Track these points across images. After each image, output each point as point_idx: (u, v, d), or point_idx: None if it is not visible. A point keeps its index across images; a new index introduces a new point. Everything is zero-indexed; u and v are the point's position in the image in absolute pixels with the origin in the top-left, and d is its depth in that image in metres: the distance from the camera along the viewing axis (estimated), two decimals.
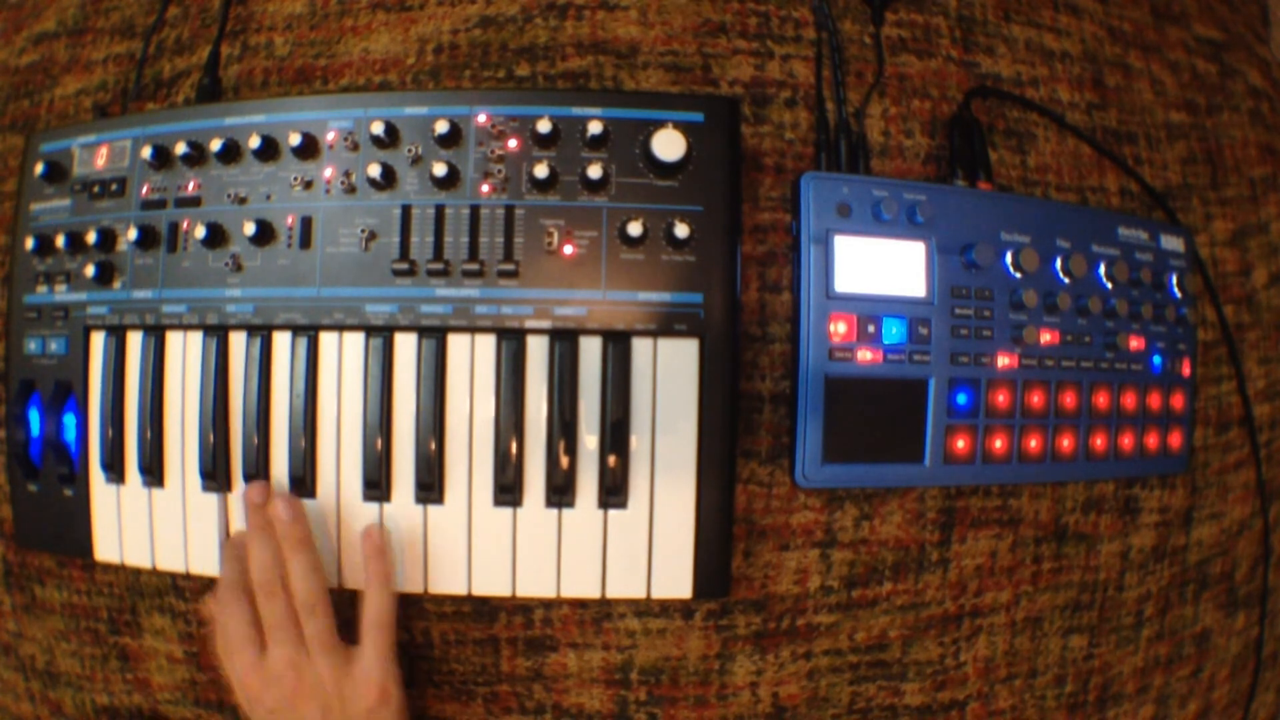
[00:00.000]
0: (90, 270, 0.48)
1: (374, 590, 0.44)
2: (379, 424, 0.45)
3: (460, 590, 0.46)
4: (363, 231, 0.46)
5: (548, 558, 0.45)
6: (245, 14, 0.54)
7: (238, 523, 0.47)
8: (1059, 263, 0.51)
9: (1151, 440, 0.53)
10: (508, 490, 0.45)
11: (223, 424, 0.47)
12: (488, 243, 0.46)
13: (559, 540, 0.45)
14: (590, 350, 0.45)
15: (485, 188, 0.46)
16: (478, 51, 0.51)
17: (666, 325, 0.45)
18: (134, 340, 0.48)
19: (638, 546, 0.45)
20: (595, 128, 0.45)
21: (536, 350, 0.46)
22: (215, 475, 0.47)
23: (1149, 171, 0.58)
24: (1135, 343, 0.52)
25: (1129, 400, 0.53)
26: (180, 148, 0.47)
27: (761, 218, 0.49)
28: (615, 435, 0.45)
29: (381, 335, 0.46)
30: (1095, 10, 0.58)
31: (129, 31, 0.56)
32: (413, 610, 0.49)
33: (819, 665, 0.50)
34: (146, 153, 0.47)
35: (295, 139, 0.46)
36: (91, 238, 0.48)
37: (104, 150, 0.50)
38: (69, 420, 0.49)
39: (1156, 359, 0.54)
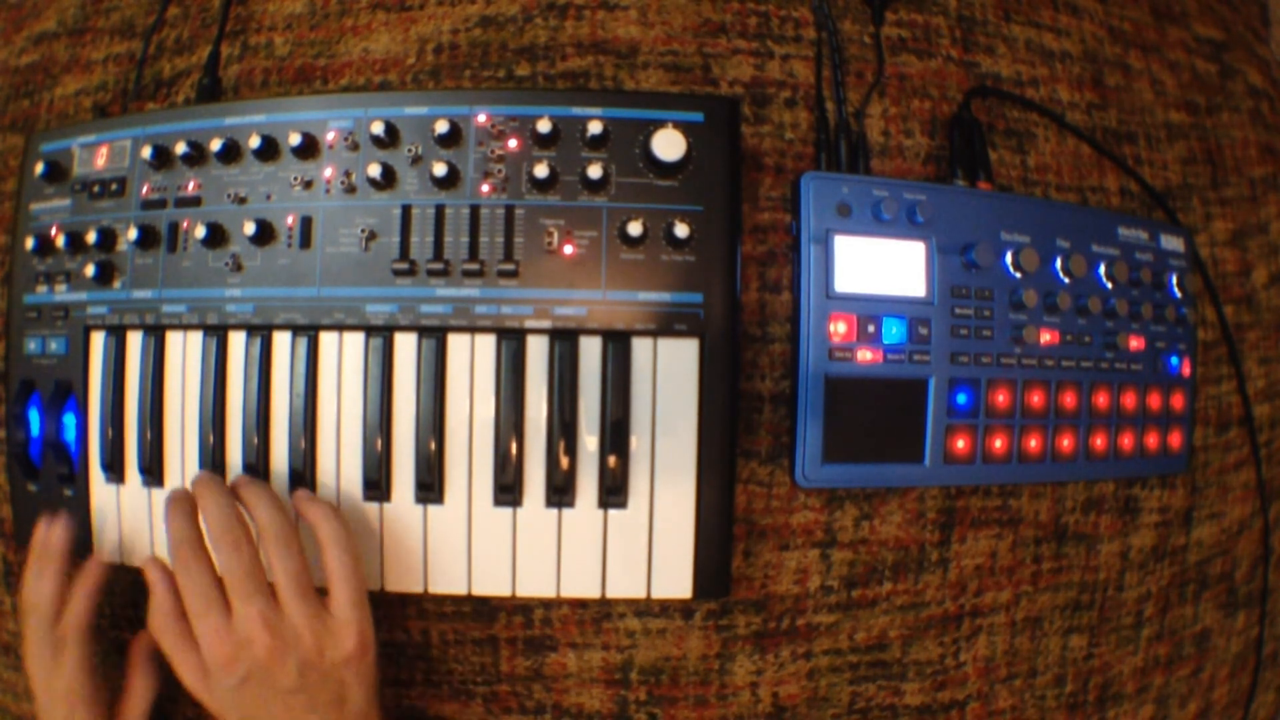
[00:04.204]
0: (90, 270, 0.48)
1: (326, 527, 0.41)
2: (379, 424, 0.45)
3: (460, 590, 0.46)
4: (363, 231, 0.46)
5: (548, 558, 0.45)
6: (245, 14, 0.54)
7: None
8: (1059, 263, 0.51)
9: (1151, 440, 0.53)
10: (508, 490, 0.45)
11: (222, 424, 0.47)
12: (488, 243, 0.46)
13: (559, 540, 0.45)
14: (590, 350, 0.45)
15: (485, 188, 0.46)
16: (478, 51, 0.51)
17: (666, 325, 0.45)
18: (134, 340, 0.48)
19: (638, 546, 0.45)
20: (595, 128, 0.45)
21: (536, 350, 0.46)
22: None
23: (1149, 171, 0.58)
24: (1135, 343, 0.52)
25: (1129, 400, 0.53)
26: (180, 148, 0.47)
27: (761, 218, 0.49)
28: (615, 435, 0.45)
29: (381, 335, 0.46)
30: (1095, 10, 0.58)
31: (129, 31, 0.56)
32: (412, 610, 0.49)
33: (819, 665, 0.50)
34: (146, 153, 0.47)
35: (295, 139, 0.46)
36: (91, 238, 0.48)
37: (104, 150, 0.50)
38: (69, 420, 0.49)
39: (1156, 359, 0.54)
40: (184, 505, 0.42)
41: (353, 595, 0.41)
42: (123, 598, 0.52)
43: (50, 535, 0.45)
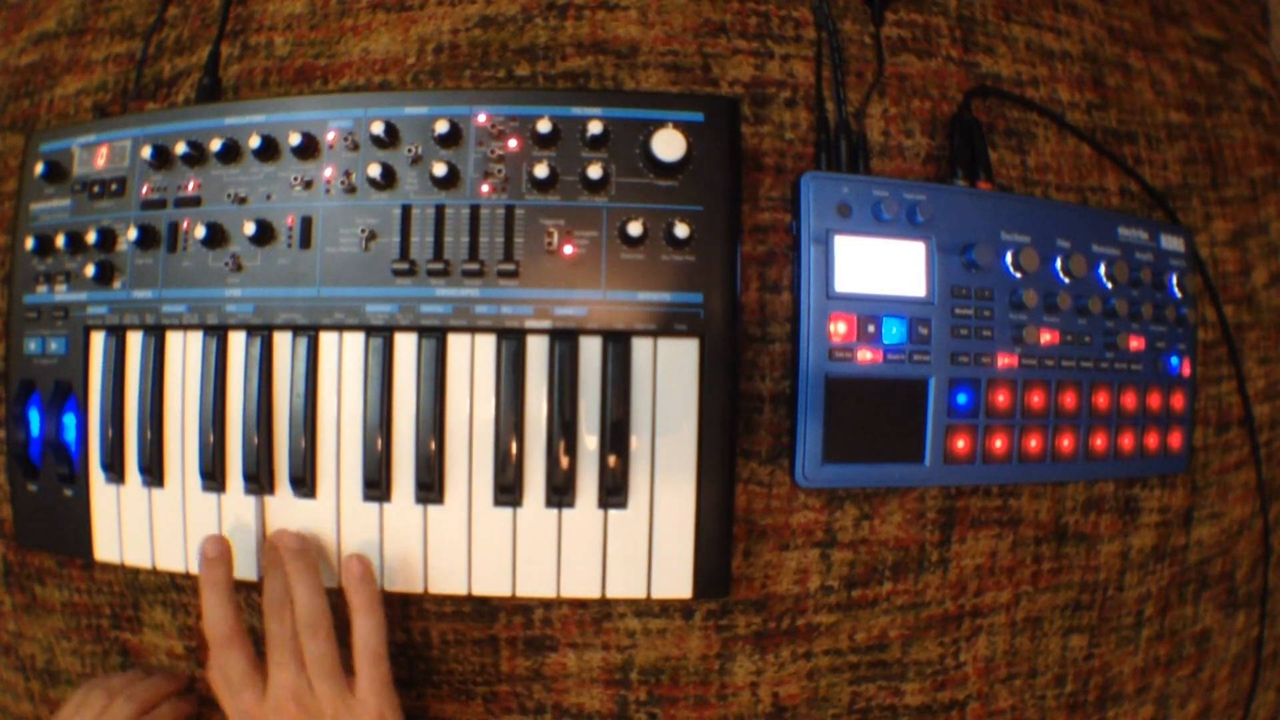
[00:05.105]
0: (90, 270, 0.48)
1: (362, 618, 0.43)
2: (379, 424, 0.45)
3: (460, 590, 0.46)
4: (363, 231, 0.46)
5: (548, 558, 0.45)
6: (245, 14, 0.54)
7: (235, 522, 0.47)
8: (1059, 263, 0.51)
9: (1151, 440, 0.53)
10: (508, 490, 0.45)
11: (222, 424, 0.47)
12: (488, 243, 0.46)
13: (559, 540, 0.45)
14: (590, 350, 0.45)
15: (485, 188, 0.46)
16: (478, 51, 0.51)
17: (666, 325, 0.45)
18: (134, 340, 0.48)
19: (638, 546, 0.45)
20: (595, 128, 0.45)
21: (536, 350, 0.46)
22: (215, 475, 0.47)
23: (1149, 171, 0.58)
24: (1135, 343, 0.52)
25: (1129, 400, 0.53)
26: (180, 148, 0.47)
27: (761, 218, 0.49)
28: (615, 435, 0.45)
29: (381, 335, 0.46)
30: (1095, 10, 0.58)
31: (129, 31, 0.56)
32: (413, 610, 0.49)
33: (819, 665, 0.50)
34: (146, 153, 0.47)
35: (295, 139, 0.46)
36: (91, 238, 0.48)
37: (104, 150, 0.50)
38: (69, 420, 0.49)
39: (1156, 359, 0.54)
40: (226, 591, 0.44)
41: (375, 682, 0.42)
42: (123, 599, 0.52)
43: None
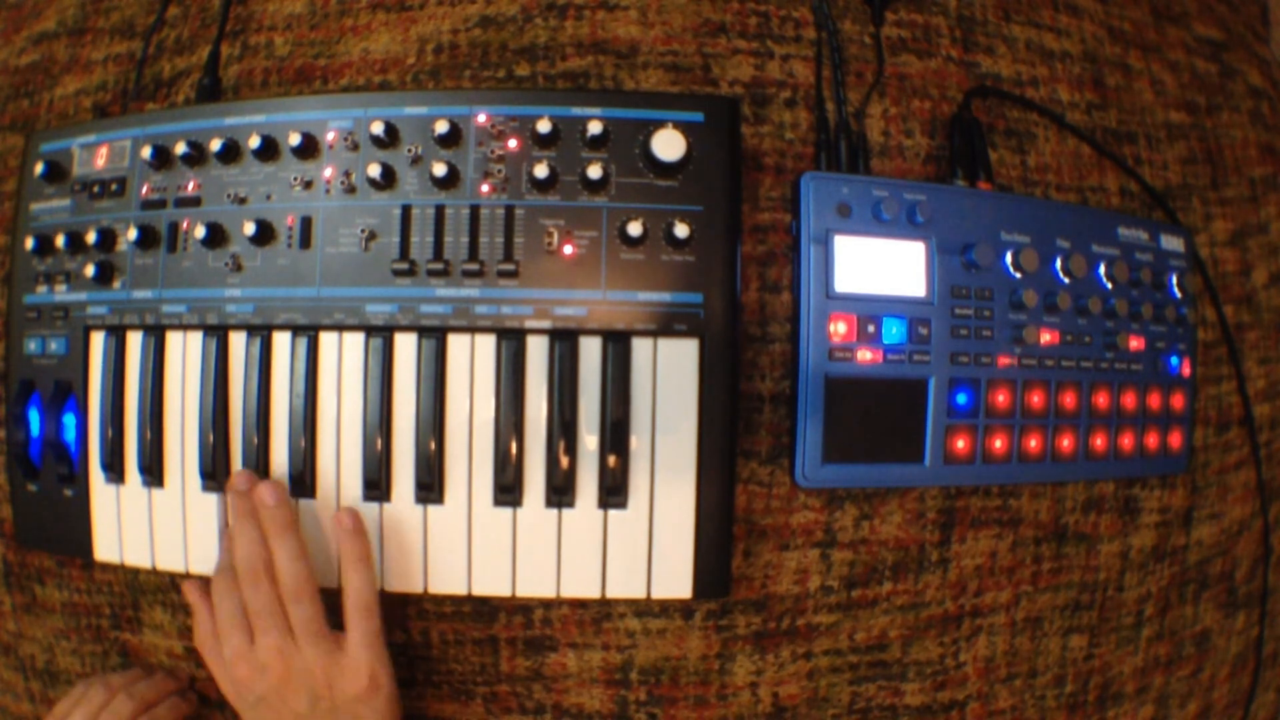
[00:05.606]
0: (90, 270, 0.48)
1: (352, 571, 0.43)
2: (379, 424, 0.45)
3: (460, 590, 0.46)
4: (363, 231, 0.46)
5: (548, 558, 0.45)
6: (245, 14, 0.54)
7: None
8: (1059, 263, 0.51)
9: (1151, 440, 0.53)
10: (508, 490, 0.45)
11: (222, 424, 0.47)
12: (488, 243, 0.46)
13: (559, 540, 0.45)
14: (590, 350, 0.45)
15: (485, 188, 0.46)
16: (478, 51, 0.51)
17: (666, 325, 0.45)
18: (134, 340, 0.48)
19: (638, 546, 0.45)
20: (595, 128, 0.45)
21: (536, 350, 0.46)
22: (215, 475, 0.47)
23: (1149, 171, 0.58)
24: (1135, 343, 0.52)
25: (1129, 400, 0.53)
26: (180, 148, 0.47)
27: (761, 218, 0.49)
28: (615, 435, 0.45)
29: (381, 335, 0.46)
30: (1095, 10, 0.58)
31: (129, 31, 0.56)
32: (412, 610, 0.49)
33: (819, 665, 0.50)
34: (146, 153, 0.47)
35: (295, 139, 0.46)
36: (91, 238, 0.48)
37: (104, 150, 0.50)
38: (69, 420, 0.49)
39: (1156, 359, 0.54)
40: (230, 538, 0.44)
41: (365, 637, 0.42)
42: (123, 599, 0.52)
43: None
